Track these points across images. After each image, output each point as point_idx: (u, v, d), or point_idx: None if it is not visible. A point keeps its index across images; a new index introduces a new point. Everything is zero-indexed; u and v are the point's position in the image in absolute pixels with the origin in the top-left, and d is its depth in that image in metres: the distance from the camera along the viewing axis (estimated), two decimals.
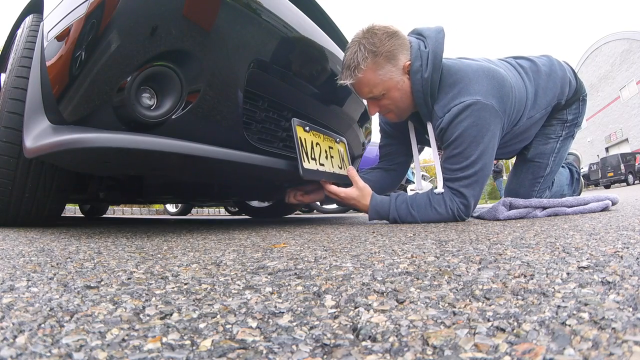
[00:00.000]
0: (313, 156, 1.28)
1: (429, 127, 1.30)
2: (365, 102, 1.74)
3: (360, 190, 1.31)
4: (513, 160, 1.69)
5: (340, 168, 1.45)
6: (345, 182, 1.40)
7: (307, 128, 1.27)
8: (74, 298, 0.36)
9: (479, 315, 0.29)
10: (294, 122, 1.21)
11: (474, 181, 1.21)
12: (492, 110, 1.17)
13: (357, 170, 2.03)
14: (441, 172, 1.26)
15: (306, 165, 1.22)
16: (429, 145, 1.44)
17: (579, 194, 1.79)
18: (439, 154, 1.32)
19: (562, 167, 1.76)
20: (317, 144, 1.32)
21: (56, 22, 0.89)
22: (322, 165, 1.32)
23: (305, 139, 1.25)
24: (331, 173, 1.36)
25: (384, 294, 0.36)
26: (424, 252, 0.58)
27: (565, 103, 1.46)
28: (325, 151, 1.37)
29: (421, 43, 1.24)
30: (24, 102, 0.99)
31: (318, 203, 4.02)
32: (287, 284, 0.41)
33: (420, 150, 1.57)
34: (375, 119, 1.99)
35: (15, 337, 0.26)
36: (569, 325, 0.26)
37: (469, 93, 1.17)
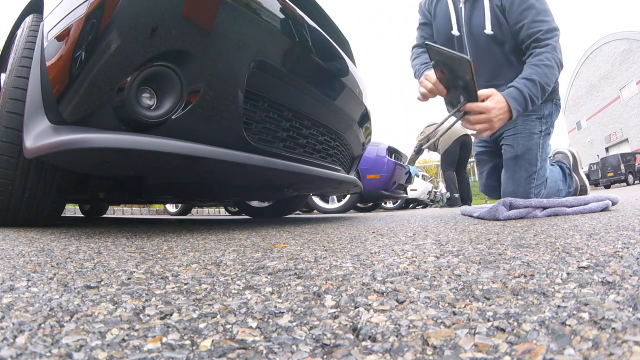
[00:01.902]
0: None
1: None
2: (365, 105, 1.74)
3: (498, 99, 1.25)
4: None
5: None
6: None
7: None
8: (74, 298, 0.36)
9: (479, 315, 0.29)
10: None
11: (557, 40, 1.30)
12: None
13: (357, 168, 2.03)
14: (530, 39, 1.33)
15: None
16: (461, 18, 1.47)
17: (574, 191, 1.80)
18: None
19: (552, 165, 1.80)
20: None
21: (56, 22, 0.89)
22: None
23: None
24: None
25: (384, 294, 0.36)
26: (424, 252, 0.58)
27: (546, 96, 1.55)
28: None
29: None
30: (24, 102, 0.99)
31: (320, 203, 4.03)
32: (287, 284, 0.41)
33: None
34: (375, 119, 1.99)
35: (15, 337, 0.26)
36: (569, 325, 0.26)
37: None
